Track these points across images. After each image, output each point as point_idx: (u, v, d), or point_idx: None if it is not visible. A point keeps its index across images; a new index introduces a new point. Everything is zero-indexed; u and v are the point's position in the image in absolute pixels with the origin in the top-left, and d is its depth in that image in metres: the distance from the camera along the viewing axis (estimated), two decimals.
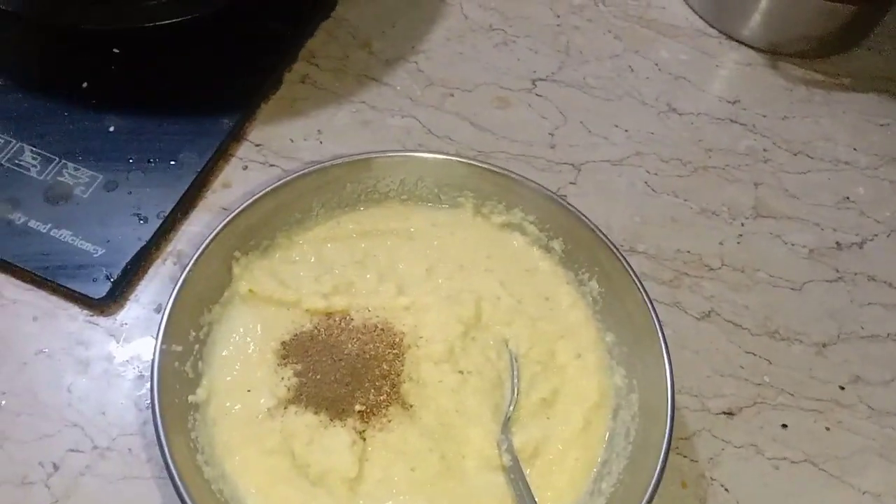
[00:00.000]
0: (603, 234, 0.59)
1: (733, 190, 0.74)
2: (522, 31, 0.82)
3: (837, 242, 0.72)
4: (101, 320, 0.61)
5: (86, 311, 0.61)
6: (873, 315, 0.68)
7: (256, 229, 0.59)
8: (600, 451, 0.55)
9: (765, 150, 0.77)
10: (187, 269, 0.54)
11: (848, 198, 0.75)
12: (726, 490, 0.59)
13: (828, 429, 0.62)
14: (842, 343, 0.66)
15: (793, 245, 0.71)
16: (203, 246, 0.55)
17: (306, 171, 0.60)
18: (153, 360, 0.51)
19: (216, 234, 0.56)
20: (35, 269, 0.61)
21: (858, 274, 0.70)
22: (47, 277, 0.61)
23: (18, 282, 0.62)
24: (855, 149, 0.78)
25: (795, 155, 0.77)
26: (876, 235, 0.73)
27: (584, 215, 0.60)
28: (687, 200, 0.73)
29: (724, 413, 0.62)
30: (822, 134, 0.79)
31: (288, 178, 0.59)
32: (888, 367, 0.65)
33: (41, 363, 0.59)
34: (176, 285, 0.54)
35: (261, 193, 0.58)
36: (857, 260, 0.71)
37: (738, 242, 0.71)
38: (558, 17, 0.84)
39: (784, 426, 0.62)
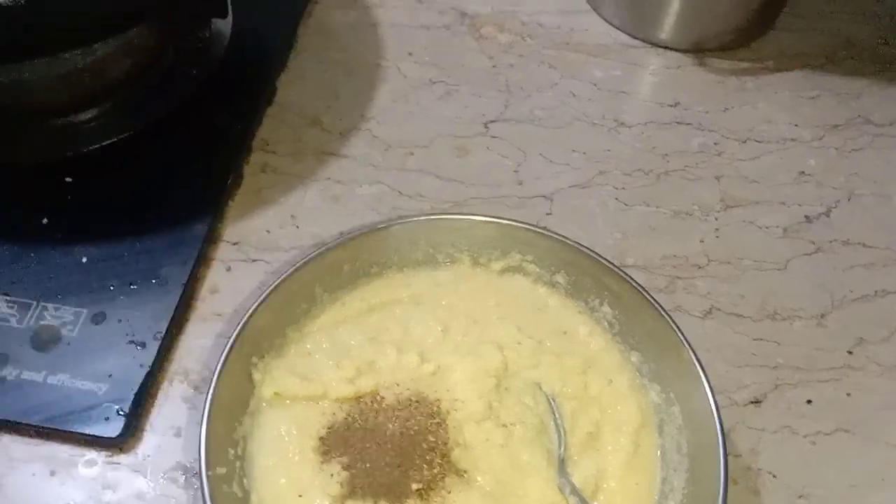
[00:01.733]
0: (603, 258, 0.60)
1: (698, 188, 0.77)
2: (462, 79, 0.84)
3: (806, 216, 0.75)
4: (123, 458, 0.59)
5: (104, 453, 0.59)
6: (857, 277, 0.71)
7: (266, 330, 0.58)
8: (657, 470, 0.56)
9: (715, 143, 0.80)
10: (211, 387, 0.53)
11: (803, 172, 0.79)
12: (774, 476, 0.60)
13: (848, 394, 0.65)
14: (837, 310, 0.69)
15: (767, 227, 0.74)
16: (221, 361, 0.54)
17: (302, 261, 0.59)
18: (203, 490, 0.49)
19: (231, 346, 0.54)
20: (41, 422, 0.58)
21: (833, 241, 0.74)
22: (56, 427, 0.58)
23: (25, 439, 0.59)
24: (796, 125, 0.82)
25: (744, 142, 0.81)
26: (838, 202, 0.76)
27: (579, 244, 0.61)
28: (659, 207, 0.75)
29: (752, 402, 0.64)
30: (763, 117, 0.83)
31: (288, 272, 0.58)
32: (884, 323, 0.68)
33: None
34: (205, 407, 0.52)
35: (265, 294, 0.57)
36: (828, 228, 0.74)
37: (717, 237, 0.73)
38: (491, 58, 0.86)
39: (809, 402, 0.64)
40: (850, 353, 0.67)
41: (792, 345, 0.67)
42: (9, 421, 0.59)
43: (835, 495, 0.60)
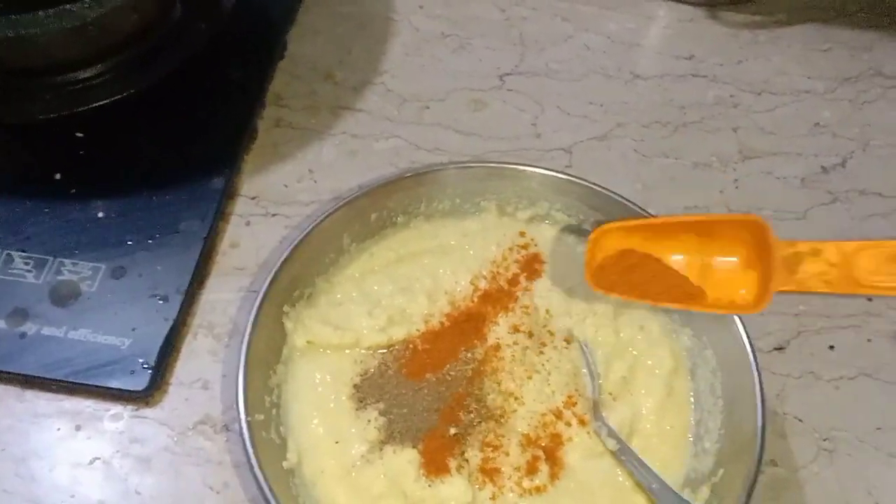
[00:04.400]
0: (630, 201, 0.60)
1: (716, 139, 0.76)
2: (475, 32, 0.83)
3: (822, 167, 0.75)
4: (149, 412, 0.58)
5: (130, 407, 0.58)
6: (874, 226, 0.72)
7: (297, 280, 0.57)
8: (690, 413, 0.56)
9: (731, 95, 0.80)
10: (246, 336, 0.52)
11: (818, 123, 0.78)
12: (800, 420, 0.61)
13: (869, 340, 0.65)
14: None
15: (785, 178, 0.74)
16: (254, 310, 0.53)
17: (332, 209, 0.58)
18: (243, 435, 0.49)
19: (264, 295, 0.54)
20: (65, 377, 0.57)
21: (850, 191, 0.74)
22: (80, 382, 0.57)
23: (49, 394, 0.58)
24: (809, 77, 0.82)
25: (759, 94, 0.80)
26: (853, 152, 0.77)
27: (607, 189, 0.61)
28: (678, 158, 0.75)
29: (776, 349, 0.64)
30: (777, 70, 0.83)
31: (317, 221, 0.57)
32: None
33: (99, 472, 0.56)
34: (241, 356, 0.51)
35: (295, 242, 0.56)
36: (844, 178, 0.75)
37: (736, 187, 0.73)
38: (504, 11, 0.85)
39: (831, 347, 0.64)
40: (869, 300, 0.67)
41: (812, 293, 0.67)
42: (31, 376, 0.58)
43: (860, 438, 0.60)
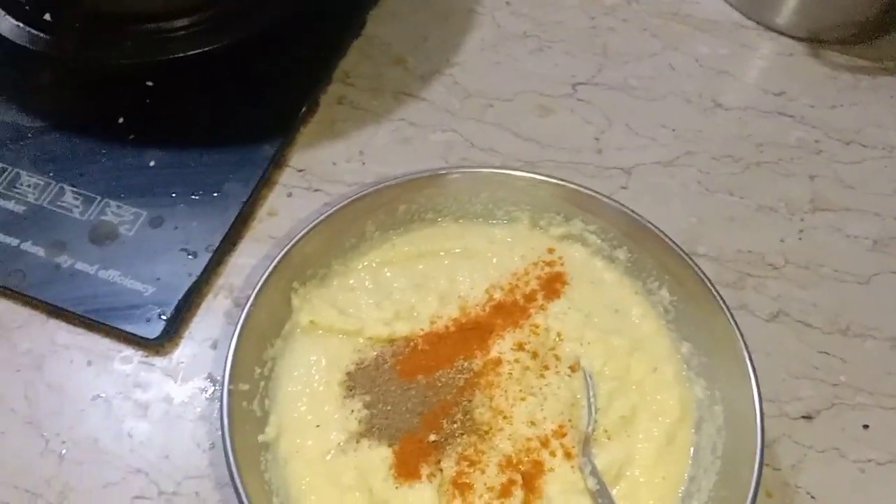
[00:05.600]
0: (671, 239, 0.57)
1: (789, 184, 0.72)
2: (557, 36, 0.80)
3: None
4: (157, 360, 0.60)
5: (141, 352, 0.60)
6: None
7: (312, 258, 0.57)
8: (686, 468, 0.53)
9: (816, 140, 0.75)
10: (248, 304, 0.53)
11: None
12: (812, 497, 0.57)
13: None
14: None
15: (855, 237, 0.69)
16: (262, 280, 0.54)
17: (360, 193, 0.58)
18: (221, 402, 0.50)
19: (274, 267, 0.54)
20: (86, 313, 0.60)
21: None
22: (99, 320, 0.60)
23: (70, 326, 0.61)
24: None
25: (848, 144, 0.75)
26: None
27: (649, 222, 0.58)
28: (743, 198, 0.71)
29: (804, 417, 0.60)
30: (872, 121, 0.77)
31: (343, 203, 0.57)
32: None
33: (99, 409, 0.58)
34: (238, 322, 0.52)
35: (316, 221, 0.56)
36: None
37: (800, 238, 0.69)
38: (592, 18, 0.82)
39: (866, 426, 0.60)
40: None
41: (859, 364, 0.62)
42: (57, 307, 0.60)
43: None
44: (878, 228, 0.70)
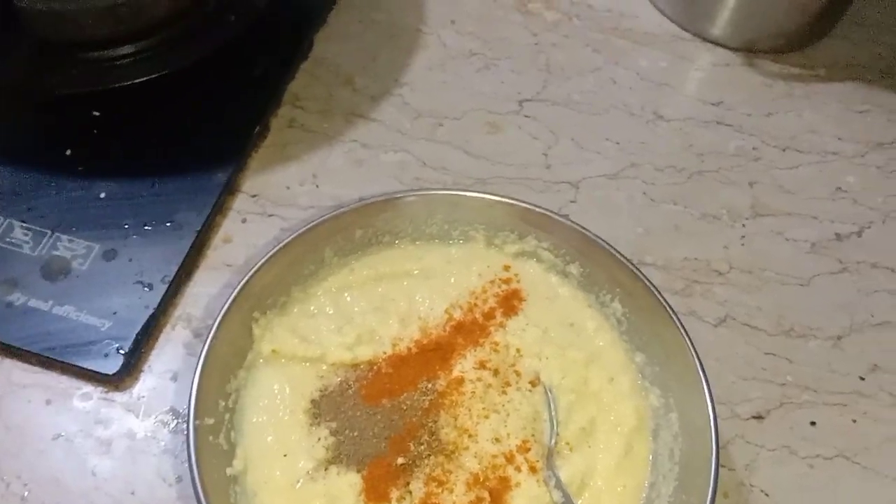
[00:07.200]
0: (620, 253, 0.59)
1: (730, 192, 0.74)
2: (502, 54, 0.82)
3: (837, 234, 0.73)
4: (118, 396, 0.59)
5: (100, 388, 0.59)
6: (881, 302, 0.69)
7: (272, 287, 0.57)
8: (646, 475, 0.55)
9: (754, 148, 0.78)
10: (209, 337, 0.53)
11: (840, 188, 0.76)
12: (766, 495, 0.59)
13: (854, 421, 0.63)
14: (855, 334, 0.67)
15: (795, 241, 0.72)
16: (222, 312, 0.54)
17: (317, 220, 0.58)
18: (188, 439, 0.50)
19: (233, 299, 0.54)
20: (42, 351, 0.59)
21: (861, 263, 0.71)
22: (56, 358, 0.59)
23: (26, 365, 0.60)
24: (840, 138, 0.79)
25: (784, 150, 0.78)
26: (872, 223, 0.74)
27: (599, 237, 0.60)
28: (687, 207, 0.73)
29: (754, 417, 0.62)
30: (807, 127, 0.80)
31: (300, 230, 0.58)
32: None
33: (60, 448, 0.57)
34: (200, 357, 0.52)
35: (274, 250, 0.57)
36: (858, 249, 0.72)
37: (742, 244, 0.71)
38: (535, 35, 0.84)
39: (813, 423, 0.62)
40: (862, 378, 0.65)
41: (804, 364, 0.65)
42: (11, 346, 0.59)
43: None
44: (816, 231, 0.73)
